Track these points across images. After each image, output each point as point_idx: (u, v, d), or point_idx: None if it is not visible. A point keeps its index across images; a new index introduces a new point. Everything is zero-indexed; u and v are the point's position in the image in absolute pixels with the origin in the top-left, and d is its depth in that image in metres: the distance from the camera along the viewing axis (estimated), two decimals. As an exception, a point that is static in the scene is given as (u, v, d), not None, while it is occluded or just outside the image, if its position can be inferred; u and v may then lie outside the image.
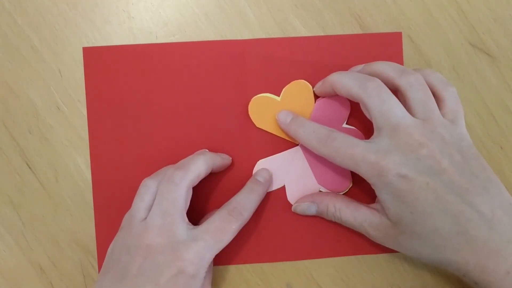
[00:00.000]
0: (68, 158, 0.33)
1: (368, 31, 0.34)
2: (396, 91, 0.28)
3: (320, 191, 0.33)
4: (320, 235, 0.33)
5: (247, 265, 0.33)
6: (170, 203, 0.27)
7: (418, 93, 0.27)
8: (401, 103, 0.28)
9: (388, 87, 0.28)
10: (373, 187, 0.27)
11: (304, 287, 0.33)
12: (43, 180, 0.33)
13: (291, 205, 0.33)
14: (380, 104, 0.27)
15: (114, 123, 0.33)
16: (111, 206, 0.32)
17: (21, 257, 0.33)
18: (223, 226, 0.28)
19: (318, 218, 0.33)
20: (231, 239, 0.28)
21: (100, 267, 0.32)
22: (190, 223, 0.28)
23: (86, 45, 0.33)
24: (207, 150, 0.32)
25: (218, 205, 0.31)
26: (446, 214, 0.25)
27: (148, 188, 0.28)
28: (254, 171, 0.33)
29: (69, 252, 0.33)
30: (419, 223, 0.26)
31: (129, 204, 0.30)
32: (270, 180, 0.32)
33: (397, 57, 0.33)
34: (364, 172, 0.27)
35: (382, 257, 0.33)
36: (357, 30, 0.34)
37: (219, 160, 0.31)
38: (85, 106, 0.33)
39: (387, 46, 0.33)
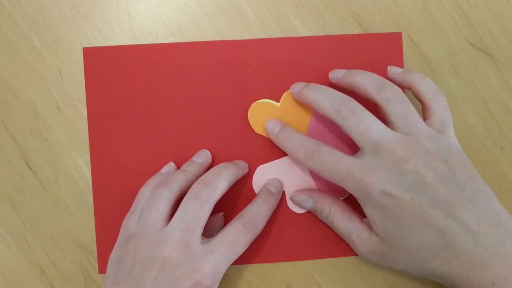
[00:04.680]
0: (68, 158, 0.33)
1: (368, 31, 0.34)
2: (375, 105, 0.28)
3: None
4: (320, 235, 0.33)
5: (247, 265, 0.33)
6: (194, 220, 0.27)
7: (396, 108, 0.27)
8: (383, 117, 0.28)
9: (367, 100, 0.28)
10: (359, 202, 0.28)
11: (304, 287, 0.33)
12: (43, 180, 0.33)
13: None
14: (356, 125, 0.27)
15: (114, 123, 0.33)
16: (111, 206, 0.32)
17: (21, 257, 0.33)
18: (237, 238, 0.28)
19: (318, 219, 0.33)
20: (244, 250, 0.28)
21: (100, 267, 0.32)
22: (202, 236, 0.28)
23: (86, 45, 0.33)
24: (208, 151, 0.32)
25: (217, 210, 0.32)
26: (431, 228, 0.26)
27: (163, 199, 0.28)
28: (254, 177, 0.33)
29: (69, 252, 0.33)
30: (405, 237, 0.26)
31: (129, 204, 0.30)
32: (282, 190, 0.33)
33: (397, 57, 0.33)
34: (349, 187, 0.27)
35: (382, 257, 0.33)
36: (357, 30, 0.34)
37: (241, 173, 0.31)
38: (85, 106, 0.33)
39: (387, 46, 0.33)
